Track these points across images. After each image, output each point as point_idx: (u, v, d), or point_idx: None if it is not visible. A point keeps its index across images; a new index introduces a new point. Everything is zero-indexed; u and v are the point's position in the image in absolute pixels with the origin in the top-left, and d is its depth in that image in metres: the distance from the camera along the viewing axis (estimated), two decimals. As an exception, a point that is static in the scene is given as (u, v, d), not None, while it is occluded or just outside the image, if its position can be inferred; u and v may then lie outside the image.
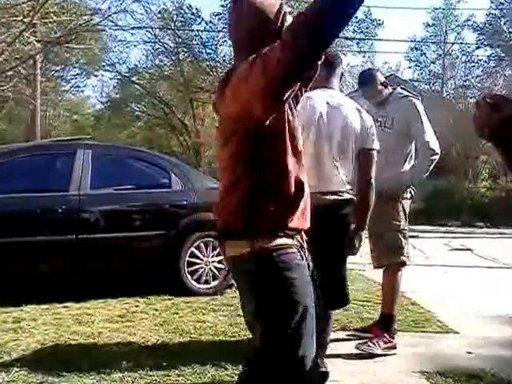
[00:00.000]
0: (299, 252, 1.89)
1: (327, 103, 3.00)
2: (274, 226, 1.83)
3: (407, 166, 3.86)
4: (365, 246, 4.10)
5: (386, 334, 3.71)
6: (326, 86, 3.06)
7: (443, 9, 30.63)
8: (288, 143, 1.83)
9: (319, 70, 1.79)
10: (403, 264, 3.77)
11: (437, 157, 3.82)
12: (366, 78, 3.95)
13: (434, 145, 3.82)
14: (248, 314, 1.99)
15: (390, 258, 3.75)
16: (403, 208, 3.81)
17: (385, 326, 3.77)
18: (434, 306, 4.98)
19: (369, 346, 3.62)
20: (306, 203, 1.90)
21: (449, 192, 16.36)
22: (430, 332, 4.25)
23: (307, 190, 1.90)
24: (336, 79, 3.14)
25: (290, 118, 1.84)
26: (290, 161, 1.83)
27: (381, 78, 3.97)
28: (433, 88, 29.45)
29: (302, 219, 1.89)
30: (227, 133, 1.88)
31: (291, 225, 1.84)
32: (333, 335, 4.05)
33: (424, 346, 3.90)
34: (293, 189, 1.84)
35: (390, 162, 3.76)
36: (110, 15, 15.36)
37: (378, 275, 4.10)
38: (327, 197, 2.91)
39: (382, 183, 3.60)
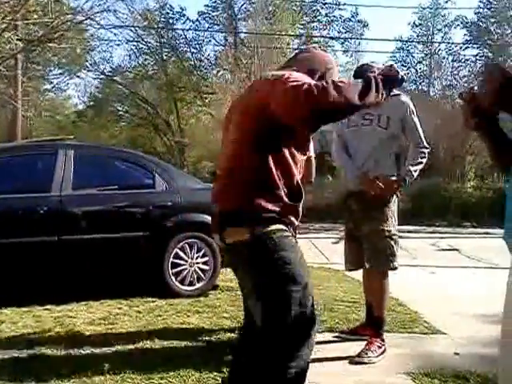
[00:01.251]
0: (294, 237, 2.15)
1: None
2: (273, 216, 2.06)
3: (395, 165, 3.83)
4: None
5: (378, 339, 3.68)
6: None
7: (431, 8, 30.70)
8: (292, 153, 2.12)
9: None
10: (395, 269, 3.74)
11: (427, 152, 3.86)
12: (364, 74, 3.80)
13: (425, 143, 3.85)
14: (248, 297, 2.20)
15: (383, 265, 3.70)
16: (392, 212, 3.76)
17: (375, 329, 3.74)
18: (420, 306, 4.96)
19: (367, 355, 3.56)
20: (300, 205, 2.18)
21: (435, 192, 16.42)
22: (416, 333, 4.23)
23: (303, 196, 2.18)
24: None
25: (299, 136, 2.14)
26: (294, 167, 2.12)
27: None
28: (420, 88, 29.60)
29: (296, 216, 2.16)
30: (243, 126, 2.13)
31: (287, 218, 2.11)
32: (319, 337, 4.03)
33: (410, 346, 3.89)
34: (294, 189, 2.12)
35: (380, 162, 3.72)
36: (92, 15, 15.23)
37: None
38: None
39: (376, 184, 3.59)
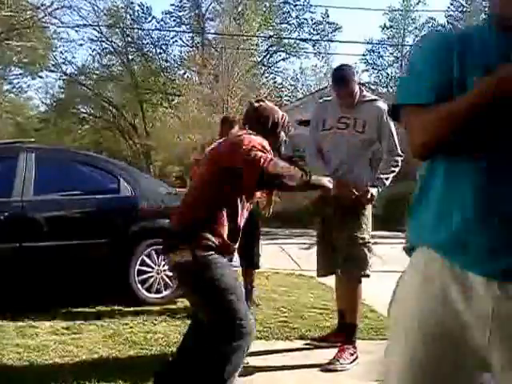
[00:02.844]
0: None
1: None
2: (211, 245, 2.66)
3: (369, 171, 3.78)
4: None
5: (351, 346, 3.64)
6: None
7: (401, 10, 30.92)
8: (242, 200, 2.79)
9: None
10: (367, 276, 3.70)
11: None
12: (346, 76, 3.71)
13: (399, 150, 3.79)
14: (197, 308, 2.90)
15: (356, 272, 3.67)
16: (367, 219, 3.72)
17: (347, 336, 3.70)
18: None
19: (339, 362, 3.52)
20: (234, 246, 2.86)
21: (407, 197, 16.44)
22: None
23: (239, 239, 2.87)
24: None
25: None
26: (240, 213, 2.79)
27: (356, 78, 3.84)
28: (390, 91, 29.80)
29: (228, 253, 2.81)
30: (209, 174, 2.81)
31: (221, 251, 2.71)
32: (290, 344, 4.02)
33: (382, 353, 3.86)
34: (234, 231, 2.77)
35: (356, 167, 3.68)
36: (53, 11, 14.89)
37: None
38: None
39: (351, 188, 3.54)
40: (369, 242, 3.69)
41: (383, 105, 3.77)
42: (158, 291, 5.42)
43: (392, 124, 3.75)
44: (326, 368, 3.49)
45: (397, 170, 3.79)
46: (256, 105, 3.14)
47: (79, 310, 4.95)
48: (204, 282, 2.66)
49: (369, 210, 3.75)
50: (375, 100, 3.81)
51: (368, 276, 3.69)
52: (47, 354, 3.72)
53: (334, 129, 3.73)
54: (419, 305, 1.32)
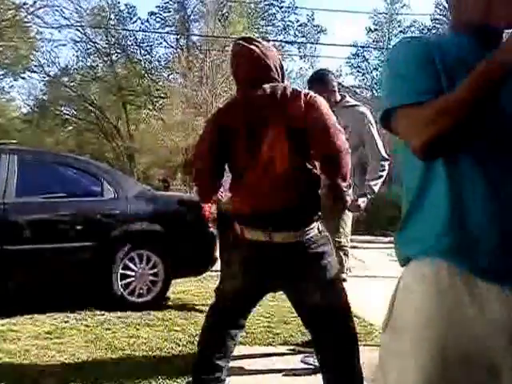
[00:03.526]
0: None
1: None
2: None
3: (355, 176, 3.78)
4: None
5: None
6: None
7: (386, 13, 31.06)
8: None
9: None
10: (343, 281, 3.70)
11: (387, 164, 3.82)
12: (322, 77, 3.78)
13: (385, 154, 3.80)
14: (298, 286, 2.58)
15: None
16: (345, 223, 3.73)
17: None
18: (375, 318, 4.94)
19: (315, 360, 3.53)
20: None
21: (391, 201, 16.49)
22: (371, 345, 4.20)
23: None
24: None
25: None
26: None
27: (335, 81, 3.88)
28: (376, 95, 29.96)
29: None
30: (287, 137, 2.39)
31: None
32: (274, 350, 4.02)
33: (365, 359, 3.86)
34: None
35: None
36: (35, 10, 14.77)
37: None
38: None
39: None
40: (345, 247, 3.69)
41: (365, 109, 3.80)
42: (141, 295, 5.37)
43: (375, 129, 3.77)
44: (305, 361, 3.53)
45: (384, 174, 3.79)
46: (256, 46, 2.45)
47: (61, 314, 4.90)
48: (329, 255, 2.58)
49: (347, 214, 3.75)
50: (357, 105, 3.84)
51: (344, 280, 3.70)
52: (29, 358, 3.68)
53: None
54: (431, 322, 1.24)
